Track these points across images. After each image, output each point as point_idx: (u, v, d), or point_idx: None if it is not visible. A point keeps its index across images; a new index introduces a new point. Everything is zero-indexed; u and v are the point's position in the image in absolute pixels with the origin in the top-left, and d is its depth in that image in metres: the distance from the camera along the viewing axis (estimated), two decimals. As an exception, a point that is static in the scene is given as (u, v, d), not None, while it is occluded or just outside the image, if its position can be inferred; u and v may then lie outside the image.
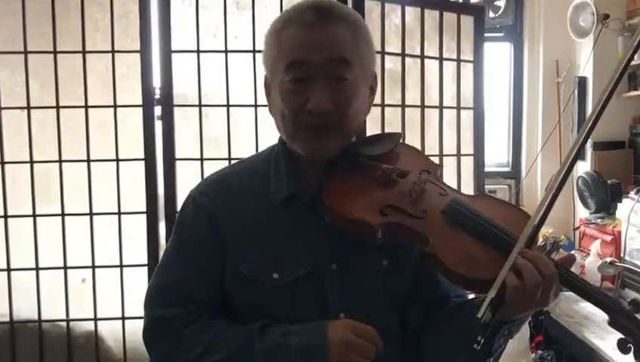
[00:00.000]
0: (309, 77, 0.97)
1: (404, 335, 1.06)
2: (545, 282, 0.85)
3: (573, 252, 3.20)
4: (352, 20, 1.01)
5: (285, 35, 0.99)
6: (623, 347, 0.86)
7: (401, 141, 1.12)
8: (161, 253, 2.24)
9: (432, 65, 2.52)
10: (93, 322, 2.27)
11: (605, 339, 2.29)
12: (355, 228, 0.96)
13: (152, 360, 1.05)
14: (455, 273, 0.89)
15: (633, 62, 2.96)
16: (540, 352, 3.07)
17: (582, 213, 3.35)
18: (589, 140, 3.28)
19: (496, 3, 3.71)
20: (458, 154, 2.56)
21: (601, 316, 2.58)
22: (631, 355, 0.86)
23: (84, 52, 2.21)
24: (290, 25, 0.99)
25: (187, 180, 2.22)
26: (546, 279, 0.85)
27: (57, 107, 2.21)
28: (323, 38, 0.97)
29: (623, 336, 0.87)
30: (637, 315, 0.87)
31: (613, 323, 0.87)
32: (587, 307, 2.63)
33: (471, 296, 1.12)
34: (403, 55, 2.43)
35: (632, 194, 2.87)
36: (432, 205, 0.98)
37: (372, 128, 2.23)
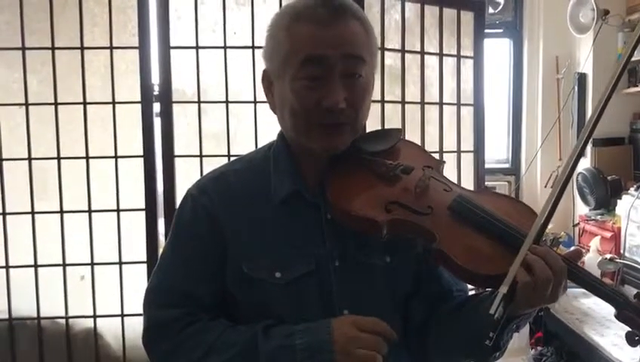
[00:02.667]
0: (325, 73, 0.96)
1: (408, 332, 1.06)
2: (555, 277, 0.85)
3: (572, 248, 3.19)
4: (361, 16, 1.00)
5: (298, 30, 0.97)
6: (631, 339, 0.86)
7: (401, 137, 1.12)
8: (160, 250, 2.24)
9: (431, 62, 2.51)
10: (92, 319, 2.27)
11: (605, 336, 2.29)
12: (359, 225, 0.95)
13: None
14: (464, 269, 0.88)
15: (633, 58, 2.96)
16: (539, 348, 3.07)
17: (581, 209, 3.35)
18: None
19: (495, -1, 3.70)
20: (458, 151, 2.55)
21: (601, 312, 2.57)
22: (638, 349, 0.86)
23: (82, 48, 2.20)
24: (302, 20, 0.97)
25: (186, 177, 2.22)
26: (556, 274, 0.85)
27: (55, 103, 2.20)
28: (339, 34, 0.96)
29: (630, 329, 0.87)
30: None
31: (620, 317, 0.87)
32: (587, 303, 2.63)
33: (472, 291, 1.12)
34: (403, 51, 2.42)
35: (631, 190, 2.86)
36: (438, 201, 0.97)
37: (372, 125, 2.20)
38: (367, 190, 0.99)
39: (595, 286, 0.90)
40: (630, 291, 2.70)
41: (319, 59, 0.95)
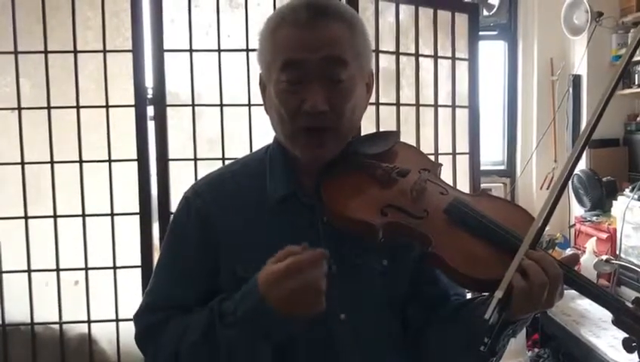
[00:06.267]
0: (305, 77, 0.95)
1: (405, 336, 1.05)
2: (551, 283, 0.84)
3: (568, 249, 3.19)
4: (347, 18, 0.99)
5: (280, 34, 0.97)
6: (627, 346, 0.85)
7: (398, 140, 1.11)
8: (155, 255, 2.23)
9: (426, 64, 2.50)
10: (86, 324, 2.25)
11: (601, 337, 2.29)
12: (355, 228, 0.94)
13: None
14: (459, 273, 0.88)
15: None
16: (536, 350, 3.07)
17: (577, 210, 3.35)
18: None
19: (490, 1, 3.70)
20: (454, 153, 2.55)
21: (597, 314, 2.57)
22: (635, 355, 0.86)
23: (75, 52, 2.18)
24: (285, 24, 0.97)
25: (180, 181, 2.20)
26: (552, 279, 0.85)
27: (49, 107, 2.19)
28: (318, 37, 0.95)
29: (627, 335, 0.86)
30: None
31: (617, 323, 0.87)
32: (583, 305, 2.63)
33: (469, 295, 1.11)
34: (397, 53, 2.42)
35: (627, 191, 2.87)
36: (434, 204, 0.96)
37: (367, 127, 2.21)
38: (363, 193, 0.98)
39: (592, 292, 0.89)
40: (626, 292, 2.70)
41: (297, 63, 0.95)
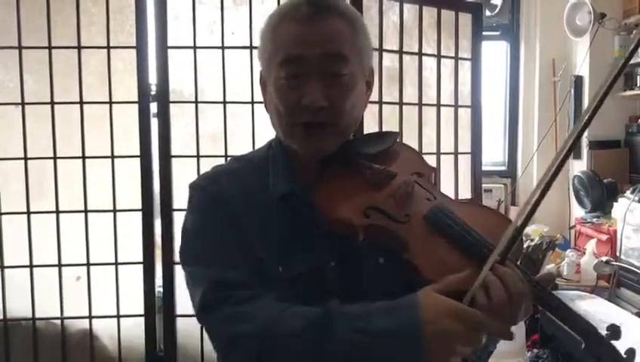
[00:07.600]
0: (304, 73, 0.95)
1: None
2: (512, 300, 0.81)
3: (568, 251, 3.20)
4: (348, 14, 0.99)
5: (280, 30, 0.98)
6: None
7: (398, 140, 1.11)
8: (157, 251, 2.24)
9: (429, 63, 2.51)
10: (87, 320, 2.26)
11: (601, 338, 2.29)
12: (338, 227, 0.94)
13: (208, 328, 0.94)
14: (429, 282, 0.85)
15: (630, 62, 2.97)
16: (535, 351, 3.07)
17: (578, 212, 3.36)
18: (586, 139, 3.29)
19: (492, 2, 3.71)
20: (455, 153, 2.55)
21: (597, 316, 2.56)
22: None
23: (79, 47, 2.19)
24: (286, 20, 0.97)
25: (183, 177, 2.21)
26: (513, 297, 0.81)
27: (52, 103, 2.19)
28: (318, 33, 0.96)
29: None
30: (613, 343, 0.81)
31: (589, 351, 0.81)
32: (583, 306, 2.63)
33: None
34: (401, 52, 2.42)
35: (627, 193, 2.87)
36: (417, 210, 0.95)
37: (369, 126, 2.22)
38: (350, 193, 0.98)
39: (564, 316, 0.85)
40: (626, 294, 2.70)
41: (297, 59, 0.95)
